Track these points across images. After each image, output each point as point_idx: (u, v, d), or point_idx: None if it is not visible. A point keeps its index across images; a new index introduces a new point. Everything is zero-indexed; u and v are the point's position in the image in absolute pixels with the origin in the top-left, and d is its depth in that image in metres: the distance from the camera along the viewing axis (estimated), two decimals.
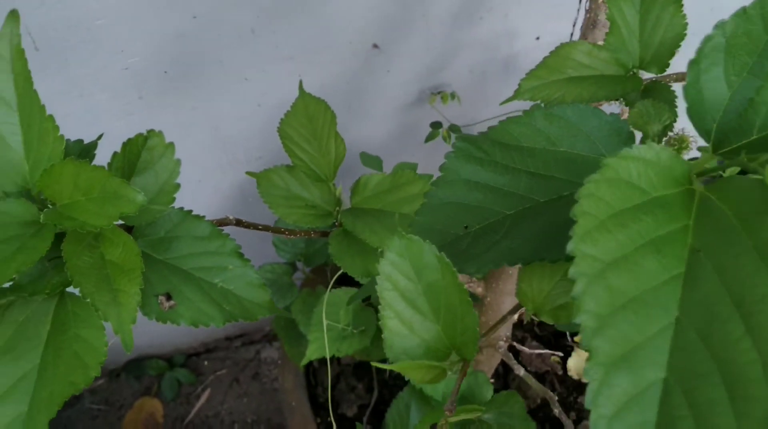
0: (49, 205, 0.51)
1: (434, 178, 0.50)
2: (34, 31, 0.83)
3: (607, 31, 0.68)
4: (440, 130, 1.06)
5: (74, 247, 0.49)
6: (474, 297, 0.97)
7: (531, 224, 0.46)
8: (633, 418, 0.30)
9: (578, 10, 1.07)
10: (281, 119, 0.69)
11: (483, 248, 0.46)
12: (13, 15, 0.48)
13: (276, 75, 0.99)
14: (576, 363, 1.23)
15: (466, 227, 0.48)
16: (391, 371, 1.20)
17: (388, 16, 0.97)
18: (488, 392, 0.95)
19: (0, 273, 0.46)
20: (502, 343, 0.90)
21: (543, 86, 0.56)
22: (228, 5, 0.88)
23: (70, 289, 0.53)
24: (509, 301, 0.86)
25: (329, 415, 1.15)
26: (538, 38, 1.10)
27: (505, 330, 0.89)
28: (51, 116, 0.49)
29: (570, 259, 0.33)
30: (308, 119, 0.70)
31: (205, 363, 1.60)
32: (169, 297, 0.54)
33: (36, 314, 0.52)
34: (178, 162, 0.54)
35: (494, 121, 1.13)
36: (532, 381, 0.96)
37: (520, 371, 0.93)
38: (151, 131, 0.54)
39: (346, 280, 1.03)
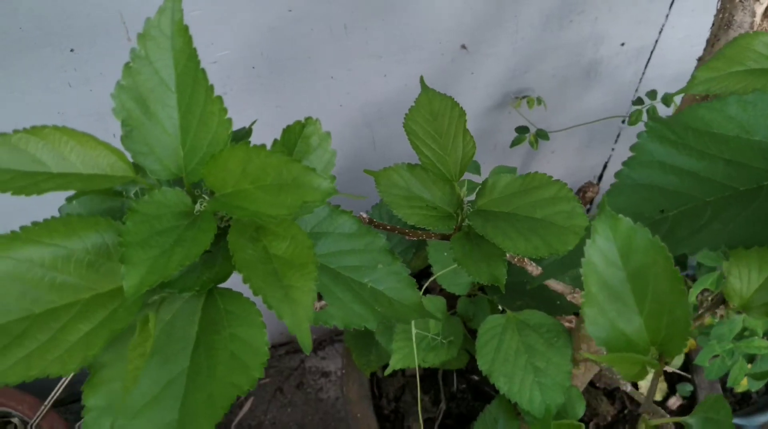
0: (203, 196, 0.48)
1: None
2: (129, 20, 0.80)
3: (743, 31, 0.65)
4: (527, 134, 1.02)
5: (238, 240, 0.45)
6: (575, 307, 0.93)
7: (737, 211, 0.43)
8: None
9: (666, 16, 1.04)
10: (405, 115, 0.66)
11: (687, 232, 0.43)
12: None
13: (361, 74, 0.96)
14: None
15: (662, 211, 0.45)
16: (459, 384, 1.16)
17: (480, 16, 0.94)
18: (581, 409, 0.92)
19: (162, 267, 0.42)
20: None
21: (721, 78, 0.53)
22: None
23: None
24: None
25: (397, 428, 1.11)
26: (623, 44, 1.08)
27: None
28: (219, 98, 0.45)
29: None
30: (432, 116, 0.66)
31: None
32: (319, 297, 0.51)
33: (182, 314, 0.49)
34: (334, 153, 0.51)
35: (581, 128, 1.09)
36: (638, 397, 0.92)
37: (627, 387, 0.89)
38: (308, 119, 0.50)
39: (426, 289, 0.99)
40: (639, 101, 0.99)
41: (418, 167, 0.67)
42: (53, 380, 0.97)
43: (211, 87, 0.45)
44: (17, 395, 1.17)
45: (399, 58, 0.95)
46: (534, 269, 0.79)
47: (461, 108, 0.66)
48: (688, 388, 1.16)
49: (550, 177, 0.64)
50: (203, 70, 0.45)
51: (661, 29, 1.07)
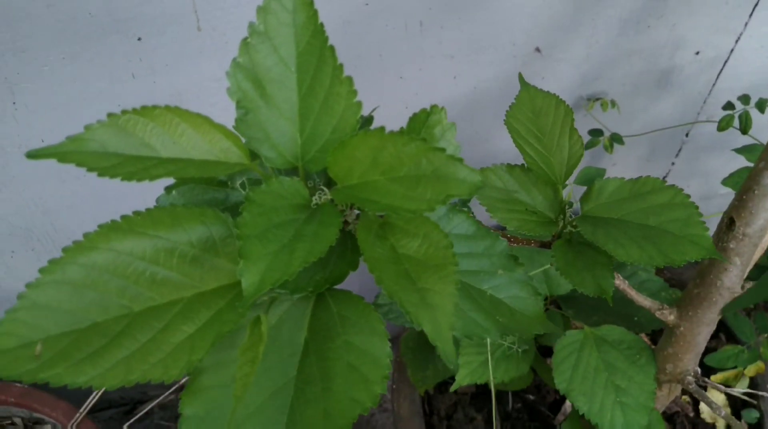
0: (321, 187, 0.43)
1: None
2: (201, 8, 0.76)
3: None
4: (601, 138, 0.97)
5: (366, 237, 0.40)
6: (656, 323, 0.88)
7: None
8: None
9: (745, 24, 1.00)
10: (506, 111, 0.61)
11: None
12: None
13: (431, 74, 0.92)
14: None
15: None
16: (514, 403, 1.11)
17: (557, 17, 0.90)
18: None
19: (285, 264, 0.38)
20: (690, 378, 0.81)
21: None
22: None
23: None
24: (706, 332, 0.78)
25: None
26: (697, 53, 1.03)
27: (693, 363, 0.81)
28: (348, 79, 0.41)
29: None
30: (534, 113, 0.62)
31: None
32: None
33: (290, 317, 0.44)
34: (458, 146, 0.46)
35: (643, 140, 1.04)
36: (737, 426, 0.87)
37: (721, 412, 0.84)
38: (434, 107, 0.46)
39: None
40: (729, 106, 0.94)
41: (518, 168, 0.62)
42: None
43: (340, 66, 0.41)
44: (51, 401, 1.13)
45: (471, 59, 0.91)
46: (621, 282, 0.74)
47: (567, 106, 0.61)
48: (755, 414, 1.11)
49: (664, 181, 0.60)
50: (331, 48, 0.41)
51: (738, 38, 1.03)
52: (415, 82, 0.92)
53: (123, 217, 0.41)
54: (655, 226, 0.58)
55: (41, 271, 0.40)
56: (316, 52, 0.41)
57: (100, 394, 1.06)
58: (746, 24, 1.01)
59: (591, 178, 0.96)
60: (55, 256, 0.39)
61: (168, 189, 0.45)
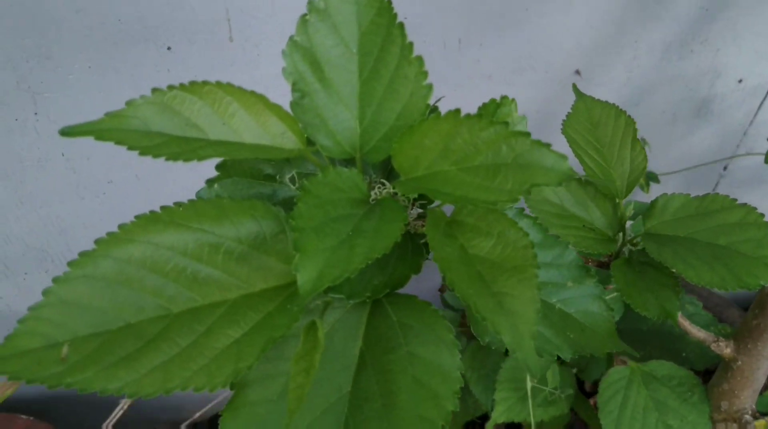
0: (381, 181, 0.39)
1: None
2: (234, 17, 0.73)
3: None
4: None
5: (435, 234, 0.36)
6: (709, 359, 0.83)
7: None
8: None
9: None
10: (564, 121, 0.58)
11: None
12: None
13: (468, 94, 0.88)
14: None
15: None
16: None
17: (599, 38, 0.87)
18: None
19: (344, 260, 0.33)
20: (748, 417, 0.76)
21: None
22: (444, 8, 0.77)
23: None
24: (766, 367, 0.72)
25: None
26: (740, 81, 1.00)
27: (751, 400, 0.75)
28: (418, 59, 0.37)
29: None
30: (592, 124, 0.58)
31: None
32: None
33: (342, 327, 0.39)
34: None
35: (693, 172, 1.00)
36: None
37: None
38: (504, 97, 0.42)
39: None
40: None
41: (574, 182, 0.58)
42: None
43: (409, 45, 0.37)
44: None
45: (509, 80, 0.88)
46: (681, 318, 0.69)
47: (628, 116, 0.57)
48: None
49: (734, 199, 0.55)
50: (400, 25, 0.37)
51: None
52: (449, 102, 0.89)
53: (163, 207, 0.36)
54: (726, 246, 0.54)
55: (70, 264, 0.35)
56: (382, 30, 0.38)
57: (124, 409, 1.01)
58: None
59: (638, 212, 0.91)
60: None
61: (210, 182, 0.41)
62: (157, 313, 0.35)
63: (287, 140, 0.37)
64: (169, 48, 0.74)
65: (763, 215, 0.54)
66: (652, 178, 0.97)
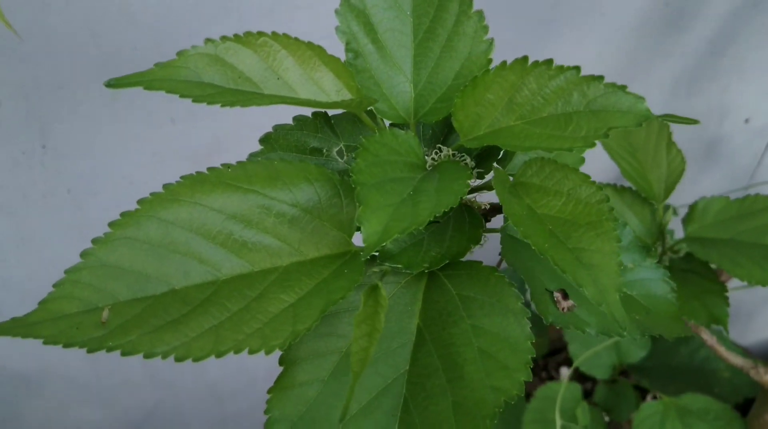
0: (438, 146, 0.37)
1: None
2: None
3: None
4: None
5: (502, 191, 0.34)
6: (740, 392, 0.79)
7: None
8: None
9: None
10: None
11: None
12: None
13: None
14: None
15: None
16: None
17: (607, 74, 0.87)
18: None
19: (410, 214, 0.31)
20: None
21: None
22: None
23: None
24: None
25: None
26: (747, 121, 1.00)
27: None
28: (478, 13, 0.36)
29: None
30: (623, 131, 0.57)
31: None
32: (565, 295, 0.39)
33: (396, 304, 0.37)
34: None
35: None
36: None
37: None
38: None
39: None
40: None
41: (610, 187, 0.57)
42: None
43: (469, 0, 0.36)
44: None
45: None
46: (709, 338, 0.67)
47: (661, 121, 0.56)
48: None
49: None
50: None
51: None
52: None
53: (210, 168, 0.34)
54: None
55: (111, 224, 0.33)
56: None
57: None
58: None
59: None
60: None
61: (253, 156, 0.39)
62: (204, 279, 0.33)
63: (343, 97, 0.35)
64: None
65: None
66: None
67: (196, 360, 0.30)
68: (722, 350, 0.68)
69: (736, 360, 0.71)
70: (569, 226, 0.33)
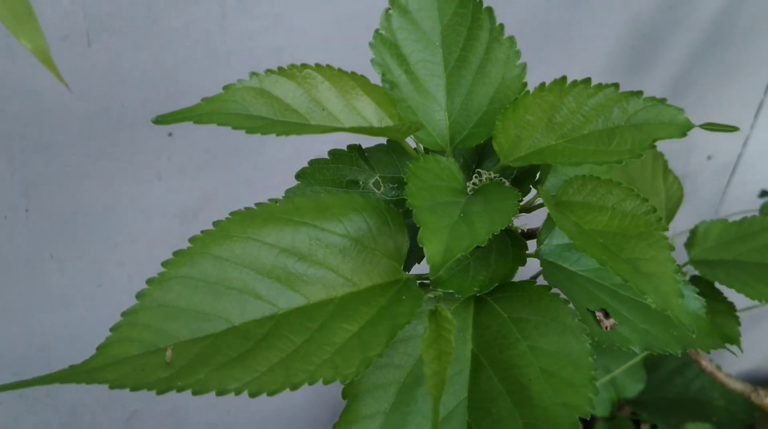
0: (477, 171, 0.38)
1: None
2: None
3: None
4: None
5: (549, 206, 0.35)
6: (741, 422, 0.80)
7: None
8: None
9: (752, 126, 1.02)
10: None
11: None
12: None
13: None
14: None
15: None
16: None
17: None
18: None
19: (467, 234, 0.32)
20: None
21: None
22: None
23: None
24: None
25: None
26: (709, 157, 1.04)
27: None
28: (510, 39, 0.37)
29: None
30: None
31: None
32: (606, 314, 0.39)
33: None
34: None
35: None
36: None
37: None
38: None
39: None
40: (764, 193, 0.93)
41: None
42: None
43: (499, 27, 0.37)
44: None
45: None
46: (708, 364, 0.68)
47: (655, 150, 0.58)
48: None
49: None
50: (488, 10, 0.37)
51: (745, 142, 1.05)
52: None
53: (258, 204, 0.34)
54: None
55: (165, 264, 0.32)
56: (466, 19, 0.38)
57: None
58: (752, 126, 1.03)
59: None
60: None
61: (289, 191, 0.39)
62: (262, 313, 0.32)
63: (387, 125, 0.35)
64: (170, 134, 0.72)
65: None
66: None
67: (270, 394, 0.29)
68: (722, 376, 0.69)
69: (736, 385, 0.72)
70: (620, 238, 0.34)
